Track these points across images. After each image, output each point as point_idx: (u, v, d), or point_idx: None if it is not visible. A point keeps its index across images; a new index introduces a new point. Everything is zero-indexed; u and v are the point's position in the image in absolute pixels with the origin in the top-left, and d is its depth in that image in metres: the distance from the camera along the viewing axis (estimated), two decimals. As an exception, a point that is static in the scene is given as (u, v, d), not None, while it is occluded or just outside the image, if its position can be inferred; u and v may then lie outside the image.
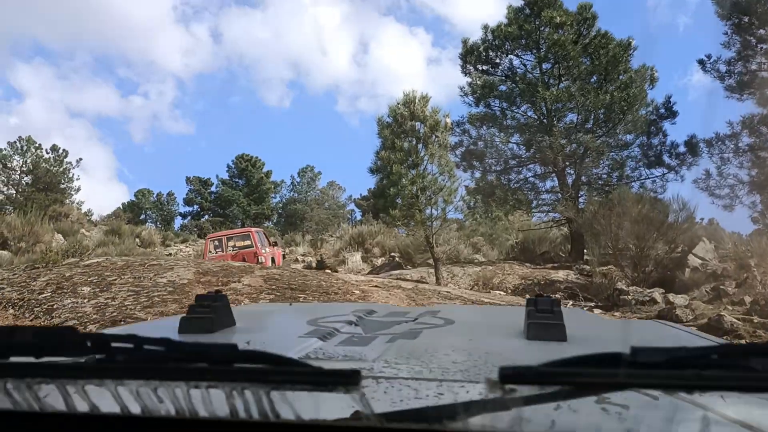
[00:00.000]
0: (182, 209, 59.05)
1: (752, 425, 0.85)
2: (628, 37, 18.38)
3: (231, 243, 19.03)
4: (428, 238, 16.35)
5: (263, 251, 18.39)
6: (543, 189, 19.11)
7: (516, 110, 18.66)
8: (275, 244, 21.89)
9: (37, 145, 42.62)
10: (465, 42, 19.42)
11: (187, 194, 56.97)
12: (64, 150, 44.75)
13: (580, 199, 18.30)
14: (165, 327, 2.07)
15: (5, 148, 41.16)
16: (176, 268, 10.65)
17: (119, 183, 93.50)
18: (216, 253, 18.60)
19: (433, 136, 16.91)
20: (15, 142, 41.87)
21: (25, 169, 41.97)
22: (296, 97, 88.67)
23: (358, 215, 61.37)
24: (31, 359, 0.81)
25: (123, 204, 60.05)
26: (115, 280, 9.49)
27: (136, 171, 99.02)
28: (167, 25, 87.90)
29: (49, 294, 8.76)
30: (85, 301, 8.32)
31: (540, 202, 19.11)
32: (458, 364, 1.29)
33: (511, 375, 0.72)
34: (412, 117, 17.19)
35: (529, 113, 18.55)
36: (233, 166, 50.00)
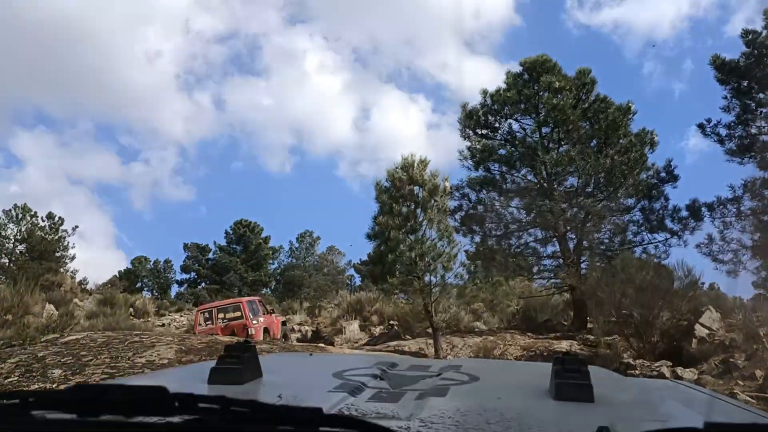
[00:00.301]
0: (179, 276, 58.32)
1: None
2: (628, 102, 18.32)
3: (221, 315, 18.39)
4: (427, 306, 15.76)
5: (254, 323, 17.63)
6: (544, 254, 18.70)
7: (516, 174, 18.43)
8: (272, 312, 21.27)
9: (32, 213, 42.36)
10: (464, 106, 19.37)
11: (184, 261, 56.28)
12: (60, 218, 44.44)
13: (582, 265, 17.85)
14: (193, 377, 2.00)
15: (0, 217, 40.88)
16: (158, 345, 10.01)
17: (117, 250, 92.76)
18: (206, 325, 17.99)
19: (432, 201, 16.55)
20: (10, 210, 41.64)
21: (19, 237, 41.56)
22: (298, 162, 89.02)
23: (358, 280, 60.53)
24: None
25: (119, 272, 59.18)
26: (91, 360, 8.85)
27: (135, 238, 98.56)
28: (170, 93, 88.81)
29: (16, 378, 8.09)
30: (54, 386, 7.67)
31: (541, 267, 18.65)
32: (492, 425, 1.28)
33: None
34: (410, 181, 16.87)
35: (529, 177, 18.29)
36: (231, 232, 49.60)
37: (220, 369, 1.74)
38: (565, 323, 18.35)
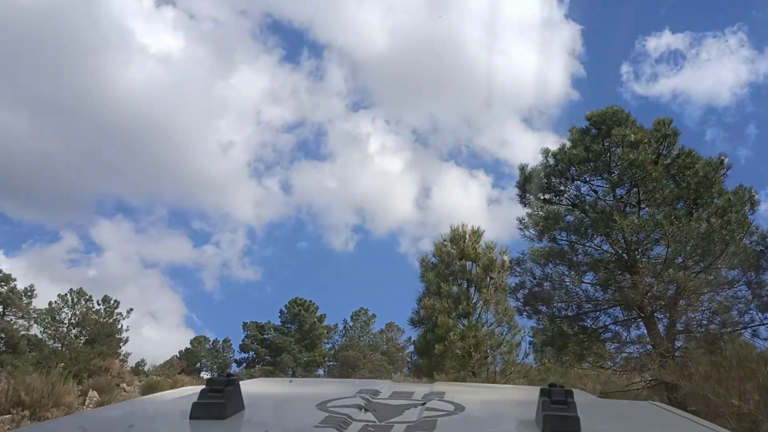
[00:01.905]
0: (238, 356, 56.25)
1: None
2: (720, 155, 15.12)
3: None
4: (487, 407, 12.57)
5: None
6: (627, 339, 15.21)
7: (588, 244, 15.27)
8: None
9: (87, 296, 41.25)
10: (523, 169, 16.48)
11: (243, 340, 54.30)
12: (115, 301, 43.28)
13: (677, 352, 14.33)
14: (175, 411, 1.86)
15: (56, 301, 39.81)
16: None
17: (187, 329, 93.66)
18: None
19: (488, 278, 13.58)
20: (66, 294, 40.62)
21: (74, 321, 40.32)
22: (360, 240, 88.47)
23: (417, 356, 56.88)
24: None
25: (180, 352, 57.64)
26: None
27: (204, 317, 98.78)
28: (241, 180, 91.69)
29: None
30: None
31: (624, 354, 15.13)
32: None
33: None
34: (461, 256, 13.98)
35: (603, 247, 15.10)
36: (286, 311, 47.23)
37: (202, 404, 1.68)
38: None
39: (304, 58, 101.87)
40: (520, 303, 15.59)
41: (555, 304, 15.54)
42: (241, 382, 1.92)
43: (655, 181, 13.99)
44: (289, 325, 47.12)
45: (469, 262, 13.69)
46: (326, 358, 46.92)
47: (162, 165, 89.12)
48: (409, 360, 57.69)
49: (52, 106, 76.97)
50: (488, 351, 12.27)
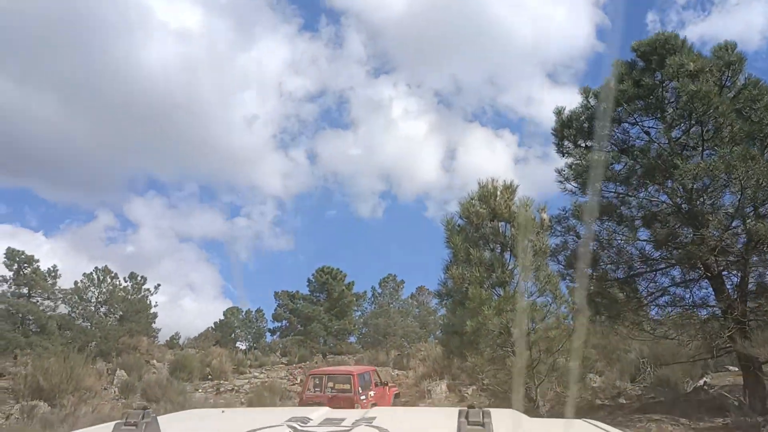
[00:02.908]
0: (271, 325, 55.11)
1: None
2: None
3: (330, 384, 16.38)
4: (529, 392, 10.38)
5: (362, 398, 15.69)
6: (689, 302, 12.82)
7: (640, 195, 12.87)
8: (386, 383, 18.95)
9: (113, 274, 39.98)
10: (559, 113, 14.04)
11: (275, 310, 53.04)
12: (142, 277, 42.01)
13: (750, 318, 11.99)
14: None
15: (81, 280, 38.61)
16: None
17: (225, 300, 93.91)
18: (314, 392, 16.21)
19: (526, 241, 11.32)
20: (91, 273, 39.36)
21: (101, 299, 39.14)
22: (388, 206, 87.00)
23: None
24: None
25: (214, 323, 56.72)
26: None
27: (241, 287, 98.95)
28: (268, 152, 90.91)
29: None
30: None
31: (686, 321, 12.75)
32: None
33: None
34: (492, 216, 11.70)
35: (660, 197, 12.68)
36: (313, 279, 45.50)
37: None
38: (732, 399, 12.39)
39: (322, 26, 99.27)
40: (561, 266, 13.34)
41: (602, 266, 13.24)
42: (166, 416, 2.09)
43: (722, 115, 11.46)
44: (317, 294, 45.48)
45: (502, 223, 11.42)
46: (356, 326, 45.29)
47: (189, 141, 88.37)
48: (441, 323, 55.99)
49: (78, 87, 76.22)
50: (530, 326, 10.04)
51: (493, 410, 1.72)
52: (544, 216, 11.63)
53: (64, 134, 77.59)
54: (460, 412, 1.63)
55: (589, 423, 2.13)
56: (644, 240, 12.67)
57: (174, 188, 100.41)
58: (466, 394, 21.49)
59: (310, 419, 2.10)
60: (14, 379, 24.54)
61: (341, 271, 45.22)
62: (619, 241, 13.03)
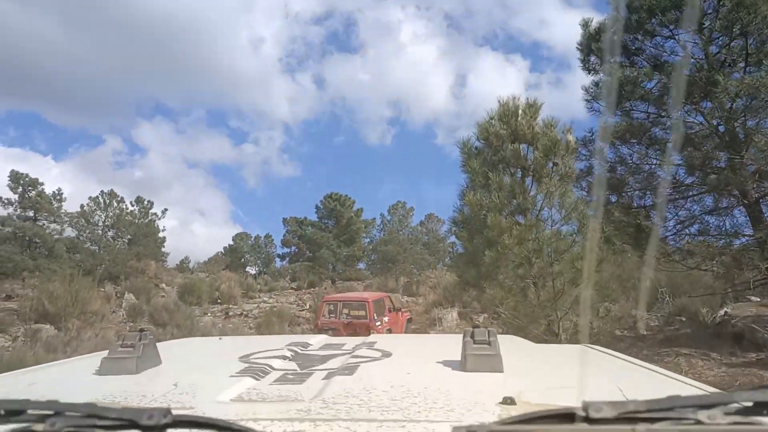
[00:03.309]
0: (280, 251, 54.90)
1: None
2: None
3: (345, 310, 16.36)
4: (551, 325, 9.67)
5: (377, 324, 15.73)
6: (724, 231, 11.88)
7: (674, 116, 11.72)
8: (399, 309, 19.00)
9: (119, 198, 39.29)
10: (586, 25, 12.75)
11: (284, 235, 52.69)
12: (149, 201, 41.35)
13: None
14: (84, 368, 1.75)
15: (88, 204, 37.96)
16: None
17: (234, 225, 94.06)
18: (329, 318, 16.25)
19: (550, 164, 10.36)
20: (97, 196, 38.67)
21: (108, 223, 38.62)
22: (397, 133, 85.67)
23: (460, 248, 54.75)
24: None
25: (224, 248, 56.65)
26: None
27: (250, 214, 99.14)
28: (274, 76, 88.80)
29: None
30: None
31: (718, 251, 11.83)
32: (397, 402, 1.23)
33: None
34: (513, 137, 10.69)
35: (697, 119, 11.54)
36: (321, 206, 44.75)
37: (112, 359, 1.61)
38: (757, 329, 11.63)
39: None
40: (584, 192, 12.41)
41: (629, 191, 12.31)
42: (165, 342, 2.14)
43: (771, 25, 10.22)
44: (326, 221, 44.83)
45: (524, 145, 10.41)
46: (365, 253, 44.87)
47: (195, 65, 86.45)
48: (450, 250, 55.62)
49: (84, 8, 73.87)
50: (553, 256, 9.21)
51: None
52: (570, 137, 10.60)
53: (70, 57, 75.92)
54: (465, 332, 1.62)
55: (590, 347, 2.12)
56: (677, 164, 11.66)
57: (181, 113, 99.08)
58: (477, 322, 21.05)
59: (310, 344, 2.10)
60: (22, 301, 24.34)
61: (350, 198, 44.47)
62: (650, 166, 12.05)
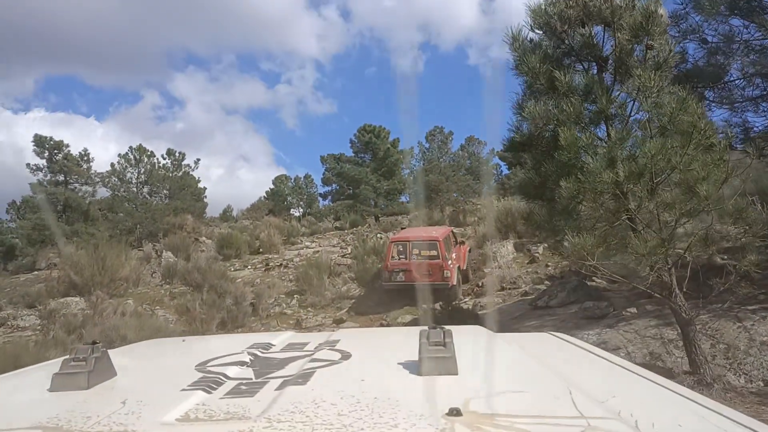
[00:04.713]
0: (321, 190, 52.58)
1: None
2: None
3: (415, 250, 15.18)
4: (662, 277, 6.75)
5: (449, 263, 14.67)
6: None
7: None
8: (462, 242, 18.07)
9: (149, 152, 37.08)
10: None
11: (323, 174, 50.22)
12: (180, 153, 39.11)
13: None
14: (33, 384, 1.72)
15: (118, 161, 35.93)
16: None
17: (278, 167, 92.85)
18: (399, 259, 15.21)
19: (637, 49, 7.24)
20: (126, 153, 36.55)
21: (141, 180, 36.64)
22: (428, 58, 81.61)
23: (504, 169, 51.55)
24: None
25: (266, 192, 54.78)
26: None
27: (291, 155, 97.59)
28: (299, 13, 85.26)
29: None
30: None
31: None
32: (343, 417, 1.21)
33: None
34: (584, 17, 7.52)
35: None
36: (356, 140, 41.66)
37: (63, 374, 1.57)
38: None
39: None
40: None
41: (739, 82, 9.04)
42: (125, 347, 2.11)
43: None
44: (362, 155, 41.84)
45: (598, 28, 7.23)
46: (406, 185, 41.94)
47: (220, 10, 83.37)
48: (495, 172, 52.22)
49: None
50: (655, 179, 6.23)
51: (455, 327, 1.71)
52: (662, 11, 7.35)
53: (97, 14, 73.70)
54: (421, 333, 1.56)
55: (554, 335, 2.11)
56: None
57: (212, 61, 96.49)
58: (536, 254, 18.24)
59: (272, 345, 2.08)
60: (50, 272, 22.73)
61: (384, 128, 41.18)
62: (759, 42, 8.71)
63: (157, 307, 18.38)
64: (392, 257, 15.37)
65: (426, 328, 1.59)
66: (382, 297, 15.84)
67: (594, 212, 6.17)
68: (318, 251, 26.62)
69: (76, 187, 33.60)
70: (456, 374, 1.45)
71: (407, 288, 14.81)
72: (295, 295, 17.56)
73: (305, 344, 2.08)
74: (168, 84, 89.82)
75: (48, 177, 33.07)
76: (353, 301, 16.39)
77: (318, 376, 1.58)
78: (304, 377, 1.56)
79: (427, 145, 42.98)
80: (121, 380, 1.64)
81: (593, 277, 12.29)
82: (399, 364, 1.65)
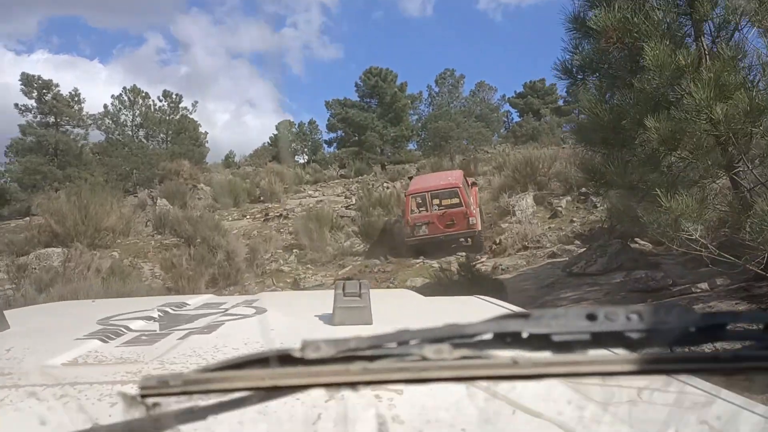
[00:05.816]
0: (326, 136, 50.35)
1: (430, 419, 0.79)
2: None
3: (436, 200, 14.44)
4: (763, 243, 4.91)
5: (472, 209, 14.07)
6: None
7: None
8: (474, 184, 17.10)
9: (143, 94, 34.81)
10: None
11: (328, 120, 47.89)
12: (177, 95, 36.79)
13: None
14: None
15: (112, 103, 33.74)
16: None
17: (284, 114, 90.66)
18: (419, 212, 14.39)
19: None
20: (120, 94, 34.30)
21: (136, 123, 34.53)
22: (437, 2, 78.14)
23: (515, 116, 49.20)
24: None
25: (270, 137, 52.63)
26: None
27: (297, 101, 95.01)
28: None
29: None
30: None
31: None
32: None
33: (153, 386, 0.59)
34: None
35: None
36: (362, 84, 39.14)
37: None
38: None
39: None
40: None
41: None
42: (29, 308, 1.95)
43: None
44: (368, 100, 39.37)
45: None
46: (414, 132, 39.62)
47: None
48: (505, 120, 49.81)
49: None
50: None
51: (384, 291, 2.01)
52: None
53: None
54: (336, 284, 1.51)
55: (481, 299, 2.05)
56: None
57: (216, 2, 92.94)
58: (559, 208, 16.34)
59: (187, 304, 1.94)
60: (31, 221, 21.03)
61: (391, 71, 38.53)
62: None
63: (145, 261, 16.67)
64: (412, 211, 14.39)
65: (341, 280, 1.52)
66: (392, 253, 14.21)
67: (701, 161, 4.23)
68: (321, 200, 24.84)
69: (67, 130, 31.56)
70: (371, 324, 1.40)
71: (432, 241, 13.98)
72: (294, 250, 15.82)
73: (222, 303, 1.93)
74: (172, 26, 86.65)
75: (38, 118, 30.98)
76: (357, 259, 14.66)
77: (226, 327, 1.48)
78: (210, 328, 1.46)
79: (436, 89, 40.53)
80: (14, 331, 1.52)
81: (635, 239, 10.43)
82: (315, 316, 1.58)
